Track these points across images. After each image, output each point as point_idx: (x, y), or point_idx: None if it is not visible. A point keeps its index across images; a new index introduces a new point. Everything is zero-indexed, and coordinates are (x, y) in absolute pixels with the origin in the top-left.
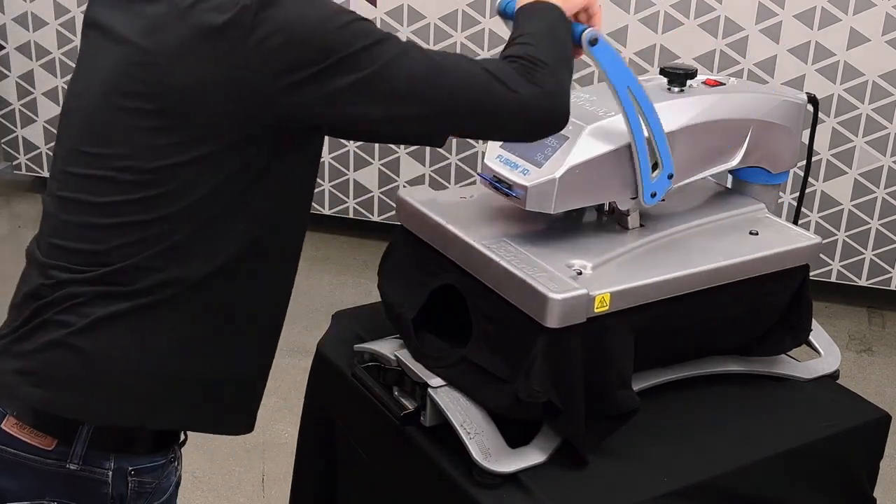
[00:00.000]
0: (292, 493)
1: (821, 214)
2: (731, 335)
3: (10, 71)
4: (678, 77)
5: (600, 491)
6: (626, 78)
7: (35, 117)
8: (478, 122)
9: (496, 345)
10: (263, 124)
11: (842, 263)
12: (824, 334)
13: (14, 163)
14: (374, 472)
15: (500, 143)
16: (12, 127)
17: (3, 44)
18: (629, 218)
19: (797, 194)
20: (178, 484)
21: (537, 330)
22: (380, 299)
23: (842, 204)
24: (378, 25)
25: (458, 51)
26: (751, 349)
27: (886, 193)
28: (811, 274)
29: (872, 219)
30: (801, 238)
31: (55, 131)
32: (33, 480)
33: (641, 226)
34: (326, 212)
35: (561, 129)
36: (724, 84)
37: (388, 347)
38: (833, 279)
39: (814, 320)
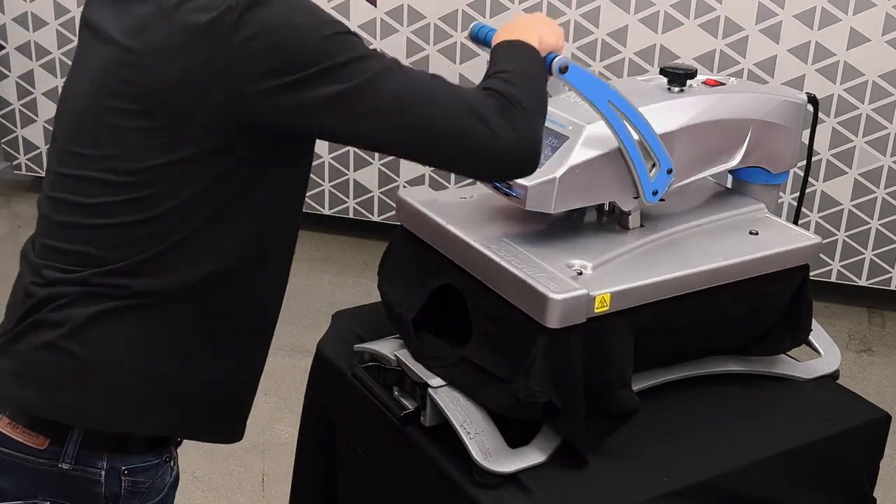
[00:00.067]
0: (292, 493)
1: (821, 214)
2: (731, 335)
3: (10, 71)
4: (678, 77)
5: (600, 491)
6: (604, 92)
7: (35, 117)
8: (448, 155)
9: (496, 345)
10: (243, 126)
11: (842, 263)
12: (824, 334)
13: (14, 163)
14: (374, 472)
15: None
16: (12, 127)
17: (3, 44)
18: (630, 217)
19: (797, 194)
20: (174, 483)
21: (537, 330)
22: (380, 299)
23: (842, 204)
24: (378, 26)
25: (457, 51)
26: (751, 349)
27: (886, 193)
28: (811, 274)
29: (872, 219)
30: (801, 238)
31: None
32: (27, 480)
33: (641, 226)
34: (326, 212)
35: (527, 176)
36: (724, 84)
37: (388, 347)
38: (833, 279)
39: (814, 320)
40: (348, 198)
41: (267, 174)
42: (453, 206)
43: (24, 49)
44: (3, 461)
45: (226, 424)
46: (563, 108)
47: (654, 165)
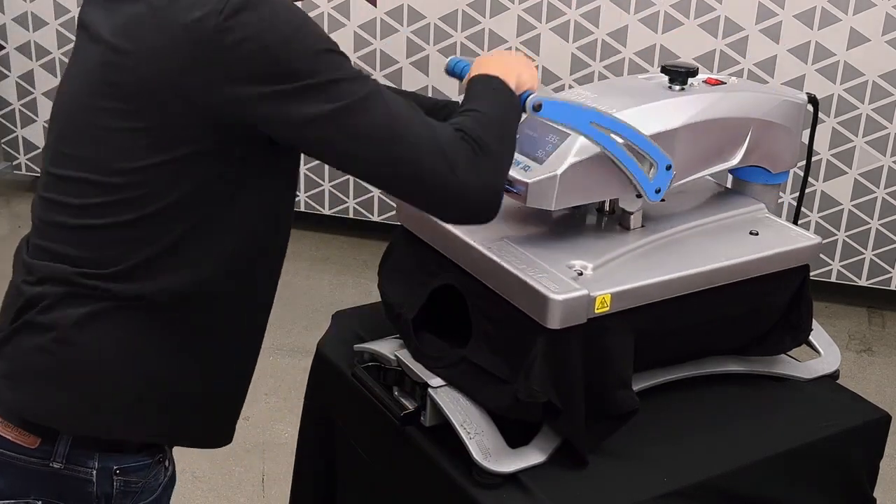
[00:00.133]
0: (292, 493)
1: (821, 214)
2: (731, 335)
3: (10, 71)
4: (679, 75)
5: (600, 491)
6: (584, 116)
7: (35, 117)
8: (411, 191)
9: (496, 345)
10: (228, 130)
11: (842, 263)
12: (824, 334)
13: (14, 163)
14: (374, 472)
15: None
16: (12, 127)
17: (3, 44)
18: (632, 217)
19: (797, 194)
20: (169, 483)
21: (537, 330)
22: (380, 299)
23: (842, 204)
24: (378, 26)
25: (457, 51)
26: (751, 349)
27: (886, 193)
28: (811, 274)
29: (872, 219)
30: (802, 238)
31: None
32: (19, 479)
33: (642, 226)
34: (326, 212)
35: (484, 223)
36: (725, 83)
37: (388, 347)
38: (833, 279)
39: (814, 320)
40: (348, 198)
41: (255, 179)
42: None
43: (24, 49)
44: None
45: (216, 430)
46: None
47: (651, 166)
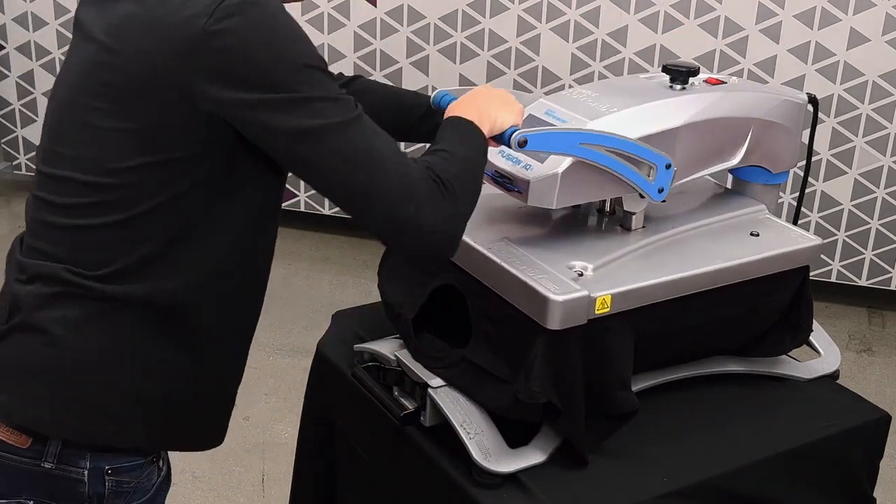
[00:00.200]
0: (292, 493)
1: (821, 214)
2: (731, 336)
3: (10, 71)
4: (680, 74)
5: (600, 491)
6: (572, 139)
7: (35, 117)
8: (372, 220)
9: (496, 345)
10: (211, 133)
11: (842, 263)
12: (824, 334)
13: (14, 163)
14: (374, 472)
15: None
16: (12, 127)
17: (3, 44)
18: (633, 217)
19: (797, 194)
20: (164, 483)
21: (538, 331)
22: (380, 299)
23: (842, 204)
24: (378, 26)
25: (457, 51)
26: (751, 350)
27: (886, 193)
28: (811, 274)
29: (872, 219)
30: (802, 239)
31: None
32: (10, 479)
33: (643, 227)
34: (326, 212)
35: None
36: (726, 83)
37: (388, 347)
38: (833, 279)
39: (814, 320)
40: None
41: (242, 185)
42: None
43: (24, 49)
44: None
45: (207, 433)
46: (564, 103)
47: (650, 169)
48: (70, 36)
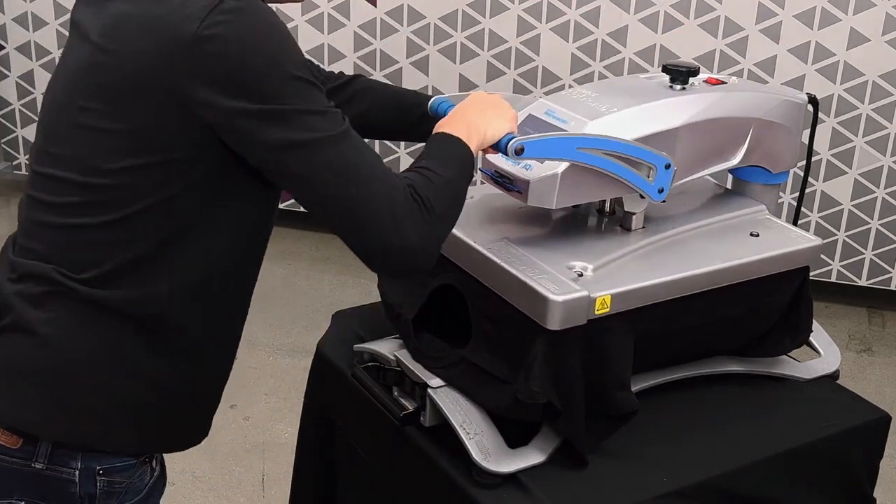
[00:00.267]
0: (292, 493)
1: (821, 214)
2: (731, 336)
3: (10, 71)
4: (680, 74)
5: (600, 491)
6: (569, 144)
7: (35, 117)
8: (351, 235)
9: (496, 345)
10: (199, 136)
11: (842, 263)
12: (824, 334)
13: (14, 163)
14: (374, 472)
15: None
16: (12, 127)
17: (3, 44)
18: (634, 218)
19: (797, 194)
20: (157, 483)
21: (537, 331)
22: (380, 299)
23: (842, 204)
24: (378, 26)
25: (457, 51)
26: (751, 350)
27: (886, 193)
28: (811, 274)
29: (872, 219)
30: (802, 240)
31: None
32: (1, 479)
33: (643, 227)
34: None
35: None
36: (726, 83)
37: (387, 347)
38: (833, 279)
39: (814, 320)
40: None
41: (235, 192)
42: None
43: (24, 49)
44: None
45: (193, 434)
46: (564, 103)
47: (649, 170)
48: None
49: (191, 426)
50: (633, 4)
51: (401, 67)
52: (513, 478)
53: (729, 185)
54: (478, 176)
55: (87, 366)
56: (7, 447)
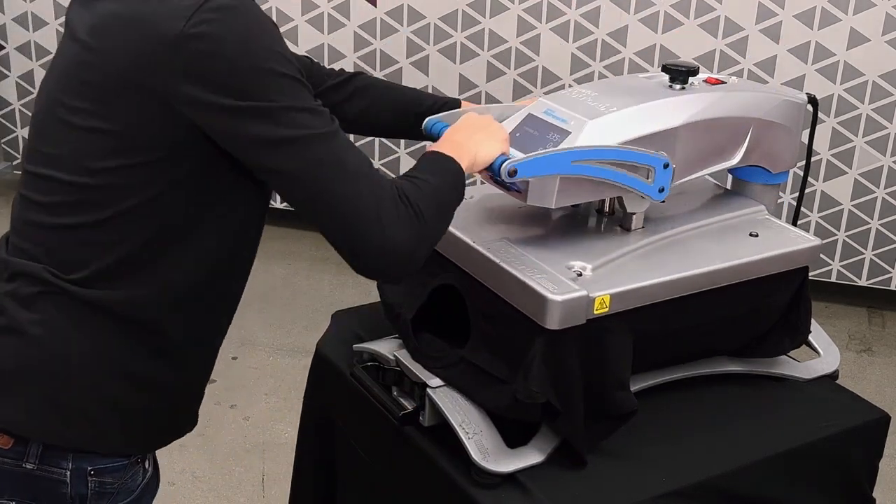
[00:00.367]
0: (292, 493)
1: (821, 214)
2: (730, 336)
3: (10, 71)
4: (680, 74)
5: (599, 491)
6: (563, 159)
7: None
8: (337, 233)
9: (495, 345)
10: (183, 135)
11: (842, 263)
12: (824, 334)
13: (14, 163)
14: (374, 472)
15: None
16: (12, 127)
17: (3, 44)
18: (634, 217)
19: (797, 194)
20: (150, 484)
21: (536, 331)
22: (379, 299)
23: (842, 204)
24: (378, 26)
25: (457, 51)
26: (750, 350)
27: (886, 193)
28: (811, 274)
29: (872, 219)
30: (801, 240)
31: None
32: None
33: (642, 227)
34: None
35: (389, 283)
36: (726, 83)
37: (387, 347)
38: (833, 279)
39: (813, 320)
40: None
41: (222, 193)
42: None
43: (24, 49)
44: None
45: (180, 429)
46: (564, 103)
47: (648, 172)
48: None
49: (179, 422)
50: (633, 4)
51: (401, 67)
52: (512, 478)
53: (729, 186)
54: (478, 176)
55: (78, 366)
56: None
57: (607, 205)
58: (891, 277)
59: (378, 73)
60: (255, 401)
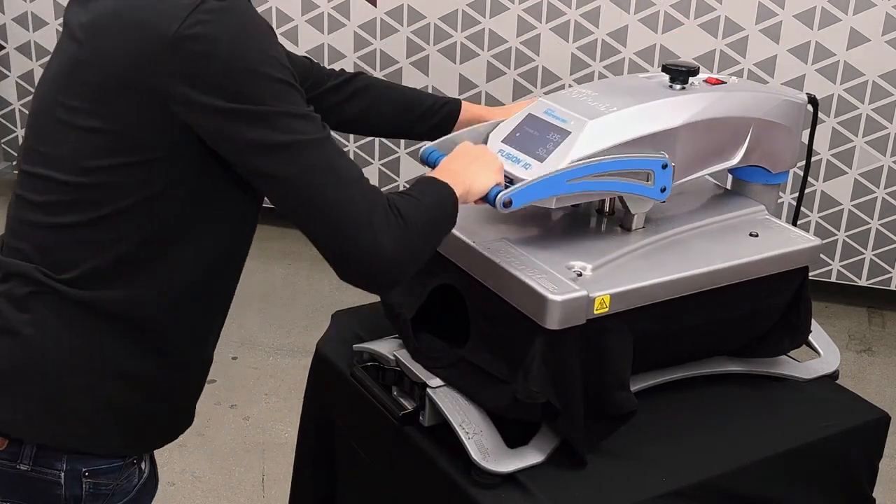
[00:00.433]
0: (292, 493)
1: (821, 214)
2: (730, 337)
3: (10, 71)
4: (680, 74)
5: (599, 491)
6: (557, 181)
7: None
8: (327, 239)
9: (495, 345)
10: (177, 135)
11: (842, 263)
12: (824, 334)
13: (14, 163)
14: (374, 472)
15: (502, 137)
16: (12, 127)
17: (3, 44)
18: (634, 218)
19: (797, 194)
20: (147, 485)
21: (536, 331)
22: (379, 299)
23: (842, 204)
24: (378, 26)
25: (457, 51)
26: (750, 351)
27: (886, 193)
28: (811, 274)
29: (872, 219)
30: (801, 240)
31: None
32: None
33: (642, 227)
34: None
35: (375, 293)
36: (726, 83)
37: (387, 347)
38: (833, 279)
39: (813, 320)
40: None
41: (214, 191)
42: None
43: (24, 49)
44: None
45: (177, 429)
46: (564, 103)
47: (647, 175)
48: None
49: (175, 422)
50: (633, 4)
51: (401, 67)
52: (512, 478)
53: (729, 186)
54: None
55: (70, 366)
56: None
57: (607, 205)
58: (891, 277)
59: (378, 73)
60: (255, 401)
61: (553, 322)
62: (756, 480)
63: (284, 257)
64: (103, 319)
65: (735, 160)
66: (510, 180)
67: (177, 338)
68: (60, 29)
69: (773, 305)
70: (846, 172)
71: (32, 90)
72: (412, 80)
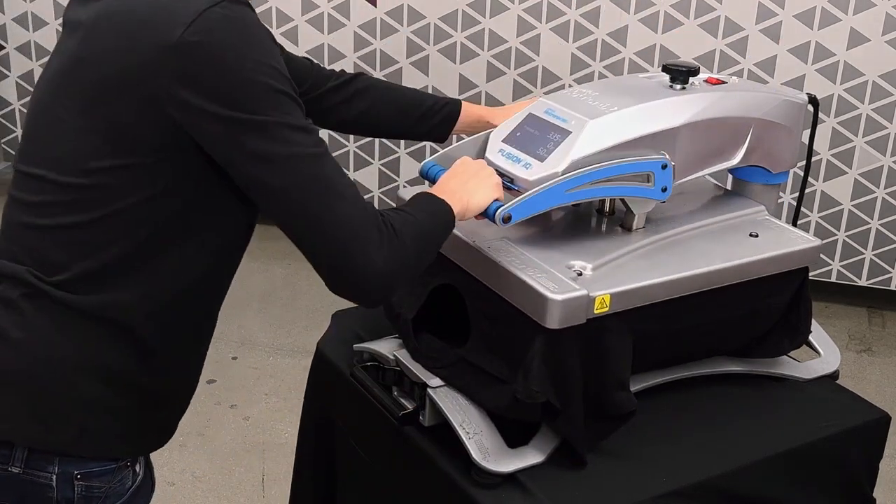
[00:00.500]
0: (292, 493)
1: (821, 214)
2: (730, 337)
3: (10, 71)
4: (681, 74)
5: (599, 491)
6: (557, 191)
7: None
8: (318, 250)
9: (495, 345)
10: (173, 139)
11: (842, 263)
12: (824, 334)
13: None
14: (374, 472)
15: (503, 136)
16: (12, 127)
17: (3, 44)
18: (635, 217)
19: (797, 194)
20: (142, 488)
21: (536, 330)
22: None
23: (842, 204)
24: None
25: (457, 51)
26: (750, 351)
27: (886, 193)
28: (811, 274)
29: (872, 219)
30: (801, 240)
31: None
32: None
33: (643, 227)
34: None
35: (364, 306)
36: (726, 83)
37: (387, 347)
38: (833, 279)
39: (813, 320)
40: None
41: (209, 195)
42: None
43: (24, 49)
44: None
45: (168, 432)
46: (565, 102)
47: (647, 177)
48: None
49: (166, 425)
50: (633, 4)
51: (401, 67)
52: (512, 478)
53: (729, 186)
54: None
55: (60, 370)
56: None
57: (608, 205)
58: (891, 277)
59: (378, 74)
60: (255, 401)
61: (553, 321)
62: (756, 480)
63: (284, 257)
64: (94, 322)
65: (735, 160)
66: (510, 181)
67: (168, 342)
68: (60, 29)
69: (773, 305)
70: (846, 172)
71: (32, 90)
72: (412, 80)
